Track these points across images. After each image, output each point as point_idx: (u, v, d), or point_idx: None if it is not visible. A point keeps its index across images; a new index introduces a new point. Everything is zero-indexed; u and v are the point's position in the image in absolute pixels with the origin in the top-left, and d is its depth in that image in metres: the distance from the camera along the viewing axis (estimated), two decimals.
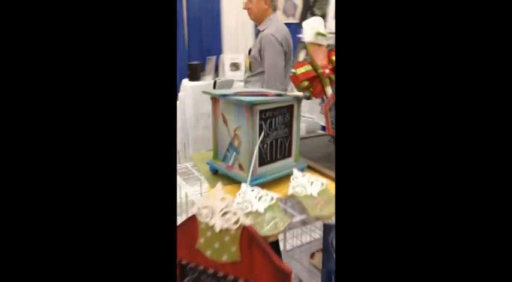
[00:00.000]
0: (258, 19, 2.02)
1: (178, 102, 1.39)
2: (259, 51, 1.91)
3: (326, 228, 1.02)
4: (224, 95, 0.87)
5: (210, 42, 5.10)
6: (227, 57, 3.36)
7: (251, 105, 0.80)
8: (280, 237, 1.44)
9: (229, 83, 1.83)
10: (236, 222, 0.66)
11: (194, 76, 3.81)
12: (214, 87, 1.74)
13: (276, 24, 1.97)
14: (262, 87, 1.99)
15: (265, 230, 0.72)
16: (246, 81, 2.04)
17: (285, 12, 3.37)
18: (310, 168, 1.02)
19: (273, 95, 0.85)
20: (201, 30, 5.29)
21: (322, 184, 0.85)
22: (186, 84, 1.40)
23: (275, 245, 1.34)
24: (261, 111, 0.83)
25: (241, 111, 0.84)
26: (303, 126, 1.66)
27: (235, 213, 0.66)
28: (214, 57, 3.71)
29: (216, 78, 2.18)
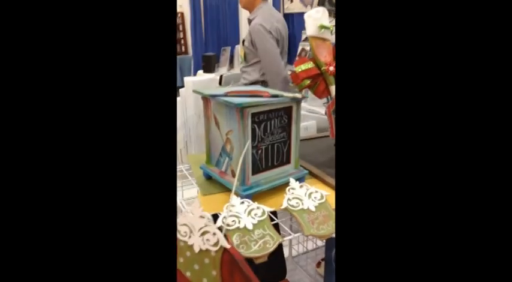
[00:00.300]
0: (247, 7, 2.02)
1: (179, 98, 1.31)
2: (251, 41, 1.92)
3: (328, 241, 0.93)
4: (214, 95, 0.79)
5: (228, 33, 5.02)
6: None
7: (241, 108, 0.72)
8: (285, 243, 1.36)
9: (236, 77, 1.75)
10: (216, 244, 0.58)
11: (209, 68, 3.75)
12: (220, 82, 1.66)
13: (266, 13, 1.96)
14: (262, 76, 2.03)
15: (252, 250, 0.64)
16: (242, 72, 2.05)
17: (302, 1, 3.24)
18: (313, 175, 0.93)
19: (268, 96, 0.76)
20: (219, 21, 5.21)
21: (322, 196, 0.76)
22: (187, 80, 1.31)
23: (278, 251, 1.27)
24: (254, 114, 0.74)
25: (232, 114, 0.75)
26: (313, 123, 1.55)
27: (214, 234, 0.58)
28: (229, 48, 3.63)
29: (223, 72, 2.11)
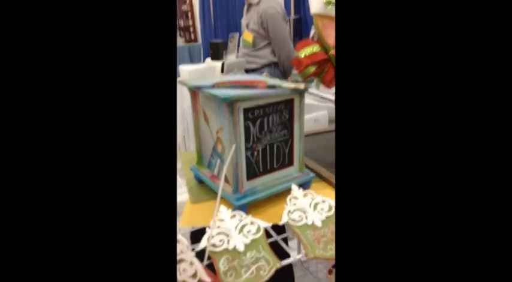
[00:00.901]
0: None
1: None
2: (261, 24, 2.00)
3: None
4: (199, 87, 0.66)
5: (237, 19, 4.86)
6: None
7: (230, 102, 0.59)
8: (294, 246, 1.24)
9: (240, 64, 1.62)
10: (194, 275, 0.47)
11: (217, 55, 3.62)
12: (222, 70, 1.54)
13: None
14: (275, 57, 2.13)
15: (242, 279, 0.51)
16: (250, 56, 2.13)
17: None
18: (321, 177, 0.80)
19: (264, 86, 0.63)
20: (228, 7, 5.06)
21: (330, 208, 0.63)
22: (183, 68, 1.19)
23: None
24: (246, 109, 0.62)
25: (222, 109, 0.63)
26: (324, 114, 1.41)
27: (191, 264, 0.47)
28: (237, 34, 3.49)
29: (232, 59, 2.02)
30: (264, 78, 0.72)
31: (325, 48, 0.71)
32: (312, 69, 0.71)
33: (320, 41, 0.71)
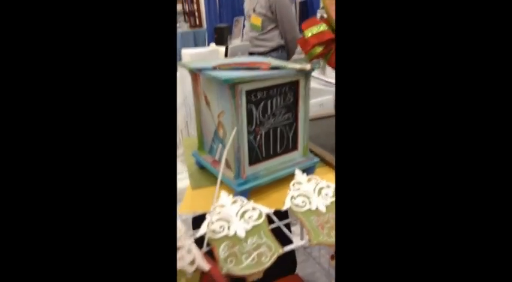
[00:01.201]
0: None
1: (178, 73, 1.16)
2: (270, 7, 2.04)
3: None
4: (200, 69, 0.63)
5: (241, 3, 4.79)
6: None
7: (232, 84, 0.57)
8: (297, 231, 1.23)
9: (244, 48, 1.58)
10: (192, 262, 0.45)
11: (221, 40, 3.57)
12: (226, 54, 1.50)
13: None
14: (282, 40, 2.17)
15: (243, 265, 0.50)
16: (258, 40, 2.13)
17: None
18: (325, 162, 0.78)
19: (267, 68, 0.61)
20: None
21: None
22: (185, 52, 1.16)
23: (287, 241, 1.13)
24: (249, 92, 0.59)
25: (223, 92, 0.60)
26: (329, 99, 1.38)
27: (189, 251, 0.45)
28: (241, 19, 3.44)
29: (237, 44, 2.00)
30: (268, 59, 0.70)
31: (332, 28, 0.68)
32: (319, 49, 0.68)
33: (327, 20, 0.68)
